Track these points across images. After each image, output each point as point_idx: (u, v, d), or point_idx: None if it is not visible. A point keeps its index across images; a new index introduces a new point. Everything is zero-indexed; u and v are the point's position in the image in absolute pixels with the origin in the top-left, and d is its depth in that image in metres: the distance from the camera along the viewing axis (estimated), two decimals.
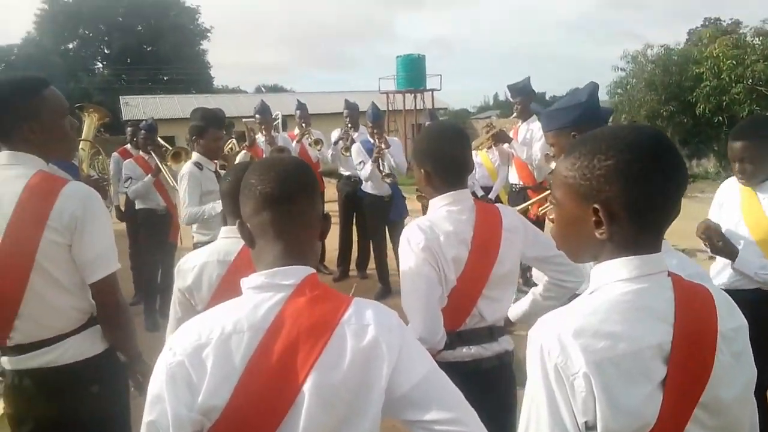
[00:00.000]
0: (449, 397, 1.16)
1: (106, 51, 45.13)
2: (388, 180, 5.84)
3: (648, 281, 1.06)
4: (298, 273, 1.18)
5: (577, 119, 2.14)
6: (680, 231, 2.28)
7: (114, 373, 1.91)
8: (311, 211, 1.25)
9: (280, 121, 6.75)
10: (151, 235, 5.56)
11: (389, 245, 6.01)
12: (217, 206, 3.73)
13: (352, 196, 6.47)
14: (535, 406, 1.03)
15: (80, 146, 4.47)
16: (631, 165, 1.03)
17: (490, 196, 6.20)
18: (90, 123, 4.61)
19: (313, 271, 1.22)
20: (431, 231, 1.88)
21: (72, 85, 36.40)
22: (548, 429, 1.00)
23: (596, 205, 1.05)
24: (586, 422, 0.99)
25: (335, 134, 6.78)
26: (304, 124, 6.67)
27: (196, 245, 4.05)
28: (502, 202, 5.64)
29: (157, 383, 1.12)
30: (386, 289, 6.05)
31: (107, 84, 40.05)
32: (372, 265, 6.53)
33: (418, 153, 2.01)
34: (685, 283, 1.11)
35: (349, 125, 6.54)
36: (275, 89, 51.34)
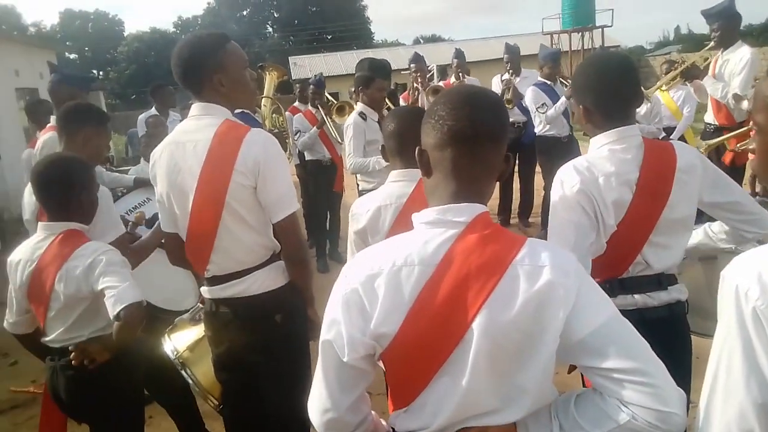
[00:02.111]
0: (632, 346, 1.07)
1: (275, 15, 48.14)
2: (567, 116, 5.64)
3: None
4: (471, 211, 1.15)
5: None
6: None
7: (294, 303, 2.06)
8: (496, 153, 1.19)
9: (435, 72, 6.65)
10: (319, 184, 5.93)
11: None
12: (382, 161, 3.83)
13: (515, 141, 6.23)
14: (727, 353, 0.91)
15: (262, 102, 4.85)
16: None
17: (672, 137, 5.63)
18: (270, 81, 4.96)
19: (486, 209, 1.18)
20: (589, 172, 1.73)
21: (246, 49, 39.30)
22: (743, 378, 0.89)
23: None
24: None
25: (496, 82, 6.54)
26: (461, 74, 6.50)
27: (362, 193, 4.22)
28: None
29: (334, 308, 1.17)
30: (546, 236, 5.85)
31: (277, 46, 42.99)
32: (537, 212, 6.33)
33: (577, 87, 1.85)
34: None
35: (510, 71, 6.26)
36: (433, 39, 51.00)
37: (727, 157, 4.49)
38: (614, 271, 1.79)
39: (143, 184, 4.06)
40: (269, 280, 2.01)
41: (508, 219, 6.68)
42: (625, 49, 29.64)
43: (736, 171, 4.33)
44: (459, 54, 6.61)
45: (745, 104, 4.34)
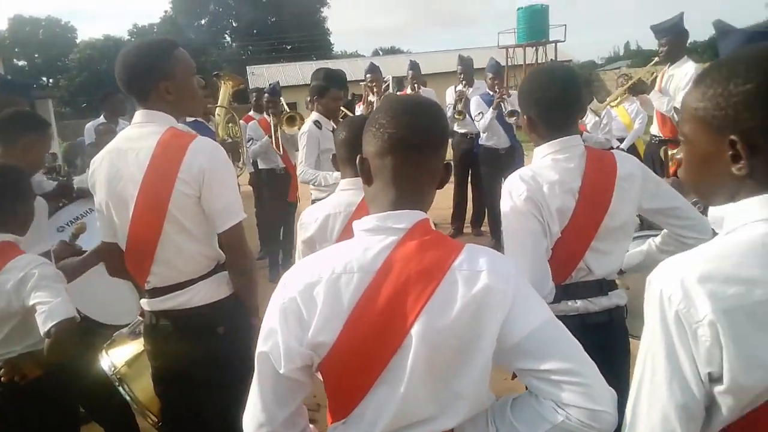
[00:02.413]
0: (566, 348, 1.09)
1: (234, 24, 47.75)
2: (512, 119, 5.71)
3: None
4: (411, 217, 1.16)
5: None
6: None
7: (238, 316, 2.01)
8: (436, 160, 1.21)
9: (391, 83, 6.70)
10: (272, 194, 5.86)
11: None
12: (330, 177, 3.81)
13: (468, 153, 6.43)
14: (651, 356, 0.94)
15: (216, 112, 4.76)
16: None
17: (622, 146, 5.85)
18: (225, 90, 4.89)
19: (426, 216, 1.19)
20: (534, 181, 1.78)
21: (203, 58, 39.01)
22: (666, 380, 0.92)
23: (733, 137, 0.92)
24: (710, 373, 0.89)
25: (450, 93, 6.64)
26: (416, 85, 6.57)
27: (314, 202, 4.20)
28: (638, 155, 5.25)
29: (271, 317, 1.15)
30: (500, 245, 5.94)
31: (235, 56, 42.60)
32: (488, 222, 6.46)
33: (522, 98, 1.90)
34: None
35: (464, 82, 6.38)
36: (392, 51, 51.48)
37: (672, 168, 4.65)
38: (558, 277, 1.82)
39: (86, 194, 3.93)
40: (212, 291, 1.96)
41: (462, 228, 6.77)
42: (577, 64, 30.61)
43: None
44: (414, 66, 6.70)
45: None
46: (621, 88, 5.38)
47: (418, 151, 1.16)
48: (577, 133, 1.87)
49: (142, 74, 1.88)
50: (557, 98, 1.80)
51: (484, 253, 1.14)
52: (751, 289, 0.87)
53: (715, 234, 1.02)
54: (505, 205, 1.80)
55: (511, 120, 5.73)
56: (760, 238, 0.90)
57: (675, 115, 4.61)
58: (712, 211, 1.02)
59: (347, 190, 2.05)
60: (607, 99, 5.97)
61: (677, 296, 0.90)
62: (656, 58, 4.98)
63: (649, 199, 1.86)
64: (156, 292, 1.96)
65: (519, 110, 5.52)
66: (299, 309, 1.12)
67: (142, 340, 2.12)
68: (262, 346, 1.15)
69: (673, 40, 4.69)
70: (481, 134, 6.04)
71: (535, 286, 1.65)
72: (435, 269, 1.09)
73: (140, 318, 2.22)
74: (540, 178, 1.78)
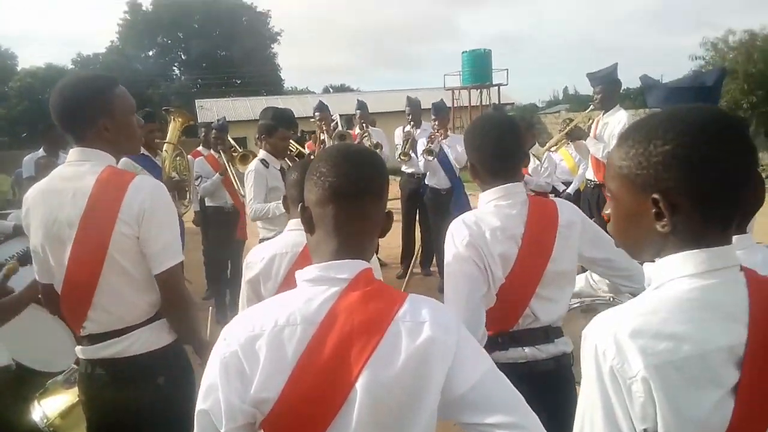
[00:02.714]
0: (509, 399, 1.11)
1: (183, 57, 47.30)
2: (429, 157, 5.90)
3: (717, 276, 0.95)
4: (353, 267, 1.16)
5: (699, 102, 2.04)
6: (765, 226, 2.11)
7: (180, 366, 1.96)
8: (377, 209, 1.22)
9: (339, 121, 6.79)
10: (220, 232, 5.76)
11: None
12: (281, 206, 3.81)
13: (415, 193, 6.53)
14: (590, 409, 0.97)
15: (164, 148, 4.68)
16: (693, 149, 0.93)
17: (569, 190, 6.05)
18: (174, 126, 4.81)
19: (369, 266, 1.19)
20: (476, 226, 1.82)
21: (151, 90, 38.41)
22: None
23: (655, 196, 0.96)
24: (645, 430, 0.92)
25: (398, 133, 6.78)
26: (364, 125, 6.68)
27: (262, 241, 4.16)
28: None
29: (212, 373, 1.12)
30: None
31: (184, 89, 41.97)
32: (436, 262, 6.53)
33: (467, 146, 1.96)
34: (762, 278, 0.99)
35: (411, 122, 6.53)
36: (342, 89, 52.01)
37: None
38: (505, 324, 1.85)
39: (22, 232, 3.78)
40: (153, 338, 1.89)
41: (410, 267, 6.78)
42: (519, 106, 31.75)
43: None
44: (362, 105, 6.81)
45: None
46: (560, 134, 5.60)
47: (360, 200, 1.17)
48: (519, 180, 1.92)
49: (81, 110, 1.84)
50: (498, 146, 1.86)
51: (426, 304, 1.15)
52: (678, 345, 0.90)
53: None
54: (448, 248, 1.83)
55: (429, 158, 5.91)
56: (685, 294, 0.94)
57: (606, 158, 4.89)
58: (647, 266, 1.08)
59: (295, 231, 2.04)
60: (548, 143, 6.20)
61: (611, 351, 0.93)
62: (591, 105, 5.27)
63: (588, 248, 1.92)
64: (92, 339, 1.87)
65: (434, 149, 5.82)
66: (241, 364, 1.09)
67: (77, 389, 2.02)
68: (201, 404, 1.12)
69: (607, 88, 5.01)
70: (424, 172, 6.20)
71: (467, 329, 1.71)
72: (378, 321, 1.09)
73: (75, 366, 2.13)
74: (483, 223, 1.82)
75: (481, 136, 1.89)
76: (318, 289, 1.14)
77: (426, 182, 6.21)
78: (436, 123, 6.08)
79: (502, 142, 1.87)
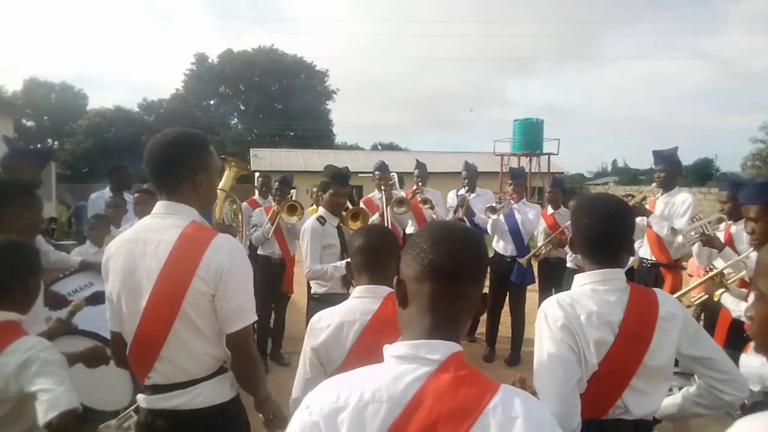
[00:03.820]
0: None
1: (242, 107, 49.42)
2: (492, 215, 5.90)
3: None
4: (446, 349, 1.12)
5: None
6: None
7: (239, 422, 1.94)
8: (475, 291, 1.19)
9: (396, 180, 6.86)
10: (266, 281, 5.78)
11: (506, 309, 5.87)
12: (340, 269, 3.83)
13: None
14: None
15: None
16: None
17: None
18: (229, 174, 4.97)
19: (460, 348, 1.16)
20: (571, 308, 1.74)
21: (209, 136, 39.89)
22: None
23: None
24: None
25: (452, 195, 6.79)
26: (420, 183, 6.75)
27: (313, 296, 4.16)
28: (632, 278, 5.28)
29: None
30: (494, 352, 5.98)
31: (240, 137, 43.74)
32: (481, 329, 6.37)
33: (572, 221, 1.92)
34: None
35: (467, 187, 6.54)
36: (390, 147, 53.10)
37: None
38: (594, 411, 1.76)
39: (89, 267, 3.90)
40: (215, 393, 1.89)
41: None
42: (567, 176, 31.57)
43: None
44: (420, 165, 6.84)
45: (679, 239, 4.64)
46: None
47: (457, 280, 1.15)
48: (622, 266, 1.84)
49: (183, 165, 1.87)
50: (601, 231, 1.80)
51: (519, 396, 1.09)
52: None
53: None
54: (540, 329, 1.76)
55: (492, 216, 5.86)
56: None
57: (670, 238, 4.75)
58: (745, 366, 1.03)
59: (362, 298, 2.00)
60: None
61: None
62: (655, 183, 5.18)
63: (687, 345, 1.81)
64: (156, 389, 1.88)
65: (501, 210, 5.77)
66: None
67: None
68: None
69: (670, 168, 4.98)
70: (493, 239, 6.12)
71: (561, 420, 1.59)
72: (468, 410, 1.05)
73: (133, 413, 2.12)
74: (578, 306, 1.74)
75: (585, 217, 1.85)
76: (407, 367, 1.11)
77: (493, 246, 6.13)
78: (512, 187, 6.05)
79: (611, 226, 1.81)
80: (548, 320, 1.75)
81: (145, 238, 1.87)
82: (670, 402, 1.96)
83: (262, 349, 5.69)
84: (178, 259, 1.81)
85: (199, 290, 1.80)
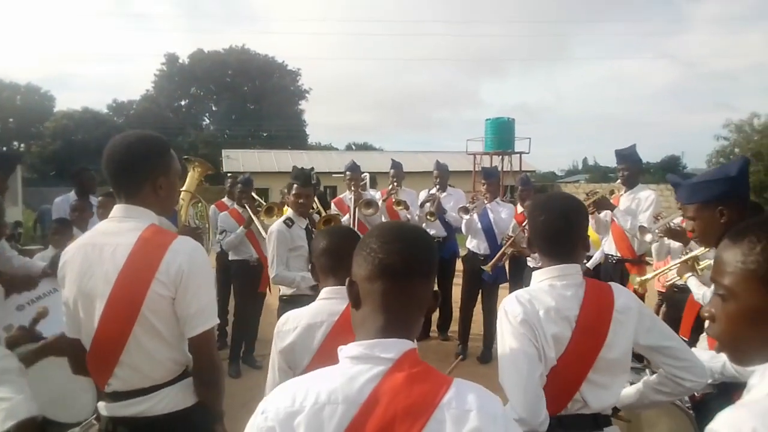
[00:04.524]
0: None
1: (213, 108, 48.88)
2: (465, 215, 5.98)
3: None
4: (399, 347, 1.14)
5: (725, 194, 2.10)
6: None
7: (203, 427, 1.90)
8: (426, 288, 1.22)
9: (368, 180, 6.87)
10: (244, 286, 5.73)
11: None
12: (308, 280, 3.78)
13: None
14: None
15: (181, 196, 4.76)
16: None
17: (588, 265, 5.96)
18: (193, 175, 4.90)
19: (414, 346, 1.18)
20: (530, 304, 1.77)
21: (180, 138, 39.53)
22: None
23: None
24: None
25: (423, 195, 6.83)
26: (395, 182, 6.76)
27: (282, 297, 4.14)
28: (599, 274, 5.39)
29: None
30: (467, 351, 6.02)
31: (212, 138, 43.20)
32: (454, 327, 6.44)
33: (528, 221, 1.96)
34: None
35: (438, 186, 6.57)
36: (365, 147, 53.06)
37: (630, 287, 4.81)
38: (553, 407, 1.78)
39: (53, 273, 3.81)
40: (178, 398, 1.86)
41: (428, 332, 6.69)
42: (539, 174, 31.97)
43: (640, 298, 4.63)
44: (396, 165, 6.83)
45: (648, 237, 4.77)
46: (584, 202, 5.57)
47: (408, 278, 1.17)
48: (578, 261, 1.89)
49: (143, 168, 1.85)
50: (556, 228, 1.85)
51: (472, 390, 1.12)
52: None
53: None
54: (501, 326, 1.79)
55: (465, 216, 5.94)
56: None
57: (637, 234, 4.87)
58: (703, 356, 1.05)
59: (329, 299, 2.00)
60: None
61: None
62: (614, 176, 5.33)
63: (644, 335, 1.85)
64: (116, 396, 1.85)
65: (474, 209, 5.83)
66: None
67: None
68: None
69: (632, 167, 5.15)
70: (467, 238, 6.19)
71: (529, 412, 1.66)
72: (423, 406, 1.06)
73: (94, 421, 2.09)
74: (537, 302, 1.78)
75: (541, 215, 1.89)
76: (362, 367, 1.12)
77: (467, 244, 6.19)
78: (485, 187, 6.10)
79: (562, 224, 1.86)
80: (509, 317, 1.78)
81: (101, 243, 1.84)
82: (631, 391, 2.00)
83: (234, 354, 5.65)
84: (136, 262, 1.78)
85: (158, 294, 1.77)
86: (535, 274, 1.90)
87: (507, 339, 1.77)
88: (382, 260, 1.17)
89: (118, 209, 1.89)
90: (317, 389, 1.10)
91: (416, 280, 1.19)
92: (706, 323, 1.14)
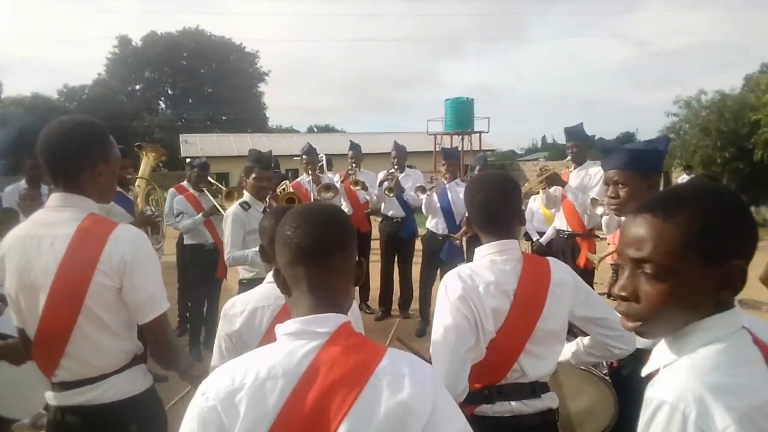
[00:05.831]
0: None
1: (169, 92, 47.54)
2: (422, 195, 6.08)
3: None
4: (333, 321, 1.18)
5: (657, 167, 2.31)
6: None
7: (152, 413, 1.92)
8: (347, 263, 1.25)
9: (324, 162, 6.86)
10: (199, 270, 5.69)
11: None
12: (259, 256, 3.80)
13: (394, 235, 6.59)
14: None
15: (136, 183, 4.68)
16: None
17: (541, 240, 6.11)
18: (146, 162, 4.81)
19: (348, 319, 1.22)
20: (471, 280, 1.84)
21: (135, 123, 38.41)
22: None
23: (737, 262, 1.03)
24: None
25: (380, 176, 6.87)
26: (354, 164, 6.77)
27: (242, 281, 4.13)
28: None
29: (189, 427, 1.12)
30: (425, 327, 6.11)
31: (169, 123, 42.03)
32: (415, 305, 6.53)
33: (465, 201, 2.02)
34: None
35: (396, 167, 6.62)
36: (326, 129, 52.61)
37: (581, 260, 4.99)
38: (493, 377, 1.87)
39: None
40: (126, 386, 1.86)
41: (389, 310, 6.79)
42: (499, 153, 32.34)
43: (587, 273, 4.80)
44: (355, 146, 6.85)
45: (600, 209, 4.90)
46: (537, 178, 5.69)
47: (328, 257, 1.21)
48: (515, 236, 1.96)
49: (81, 155, 1.80)
50: (495, 206, 1.91)
51: (405, 358, 1.18)
52: (754, 395, 0.96)
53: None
54: (440, 299, 1.86)
55: (422, 196, 6.06)
56: (737, 351, 1.02)
57: (588, 208, 4.98)
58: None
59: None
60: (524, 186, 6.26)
61: (693, 411, 0.94)
62: (569, 157, 5.46)
63: (580, 307, 1.94)
64: (64, 386, 1.83)
65: (433, 189, 5.94)
66: (220, 418, 1.09)
67: None
68: None
69: (580, 144, 5.31)
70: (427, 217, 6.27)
71: (448, 384, 1.71)
72: (360, 373, 1.11)
73: (43, 411, 2.07)
74: (477, 277, 1.85)
75: (479, 193, 1.94)
76: (299, 342, 1.16)
77: (426, 224, 6.28)
78: (445, 167, 6.19)
79: (500, 202, 1.92)
80: (447, 292, 1.85)
81: (39, 234, 1.79)
82: (565, 351, 2.11)
83: (195, 339, 5.62)
84: (76, 254, 1.74)
85: (102, 284, 1.75)
86: (477, 250, 1.96)
87: (442, 313, 1.84)
88: (298, 245, 1.20)
89: (55, 198, 1.84)
90: (257, 366, 1.13)
91: (336, 256, 1.22)
92: (615, 303, 1.18)
